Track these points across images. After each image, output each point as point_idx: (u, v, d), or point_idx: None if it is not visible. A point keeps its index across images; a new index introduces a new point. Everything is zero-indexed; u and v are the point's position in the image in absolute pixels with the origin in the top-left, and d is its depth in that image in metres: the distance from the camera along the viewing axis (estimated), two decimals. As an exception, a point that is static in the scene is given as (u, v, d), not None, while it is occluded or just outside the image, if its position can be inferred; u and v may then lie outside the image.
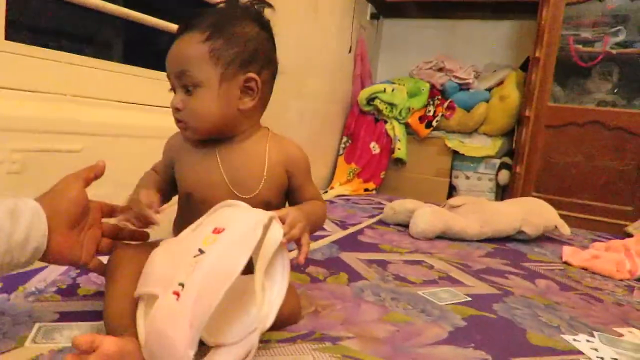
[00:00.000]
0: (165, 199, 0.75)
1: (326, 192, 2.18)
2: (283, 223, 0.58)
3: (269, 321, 0.55)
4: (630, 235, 1.75)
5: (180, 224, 0.67)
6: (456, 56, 2.51)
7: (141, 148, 1.02)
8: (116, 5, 1.05)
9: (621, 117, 1.95)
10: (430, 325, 0.73)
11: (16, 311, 0.64)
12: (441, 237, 1.42)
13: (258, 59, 0.65)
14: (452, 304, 0.85)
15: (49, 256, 0.56)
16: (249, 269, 0.52)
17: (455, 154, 2.32)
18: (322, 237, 1.26)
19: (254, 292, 0.54)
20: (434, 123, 2.34)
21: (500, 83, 2.31)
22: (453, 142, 2.32)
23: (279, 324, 0.66)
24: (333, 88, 2.34)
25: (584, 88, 2.11)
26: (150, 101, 1.12)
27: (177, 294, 0.47)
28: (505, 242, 1.48)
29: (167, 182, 0.73)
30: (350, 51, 2.41)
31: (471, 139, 2.33)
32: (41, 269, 0.81)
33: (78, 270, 0.82)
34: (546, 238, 1.60)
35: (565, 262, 1.29)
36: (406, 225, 1.50)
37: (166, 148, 0.75)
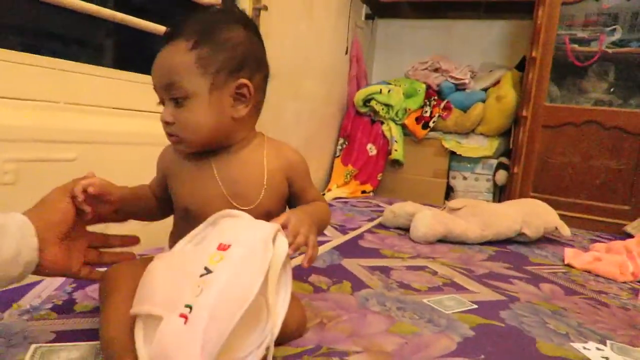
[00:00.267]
0: (154, 215, 0.73)
1: (323, 194, 2.17)
2: (284, 228, 0.56)
3: (276, 330, 0.53)
4: (629, 235, 1.75)
5: (177, 238, 0.65)
6: (452, 56, 2.50)
7: (137, 155, 0.99)
8: (108, 9, 1.03)
9: (618, 116, 1.95)
10: (438, 336, 0.72)
11: (11, 331, 0.61)
12: (442, 240, 1.40)
13: (248, 64, 0.62)
14: (459, 312, 0.83)
15: (42, 269, 0.56)
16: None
17: (452, 154, 2.31)
18: (323, 242, 1.24)
19: (261, 306, 0.52)
20: (431, 124, 2.32)
21: (497, 83, 2.30)
22: (450, 143, 2.31)
23: (286, 337, 0.65)
24: (329, 89, 2.32)
25: (580, 88, 2.11)
26: (146, 107, 1.09)
27: (184, 316, 0.45)
28: (505, 244, 1.47)
29: (159, 199, 0.71)
30: (347, 52, 2.39)
31: (468, 140, 2.32)
32: (35, 283, 0.78)
33: (74, 285, 0.79)
34: (546, 239, 1.59)
35: (567, 265, 1.28)
36: (406, 229, 1.48)
37: (158, 162, 0.72)
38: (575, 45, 2.05)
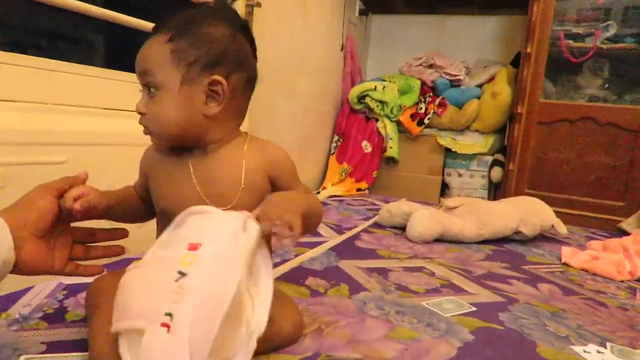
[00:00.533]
0: (141, 218, 0.72)
1: (318, 192, 2.15)
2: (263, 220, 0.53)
3: (263, 324, 0.52)
4: (624, 232, 1.76)
5: None
6: (446, 52, 2.49)
7: (129, 156, 0.97)
8: (96, 7, 1.00)
9: (612, 112, 1.95)
10: (438, 342, 0.71)
11: (0, 343, 0.59)
12: (439, 239, 1.40)
13: (226, 62, 0.60)
14: (458, 315, 0.82)
15: (21, 268, 0.54)
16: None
17: (447, 151, 2.30)
18: (319, 243, 1.23)
19: (243, 299, 0.50)
20: (426, 121, 2.31)
21: (491, 79, 2.30)
22: (445, 140, 2.30)
23: (282, 342, 0.63)
24: (323, 86, 2.30)
25: (575, 84, 2.11)
26: (137, 107, 1.07)
27: (166, 325, 0.44)
28: (502, 242, 1.47)
29: (145, 201, 0.69)
30: (342, 49, 2.37)
31: (463, 136, 2.31)
32: (25, 291, 0.76)
33: (65, 292, 0.77)
34: (543, 237, 1.59)
35: (564, 264, 1.28)
36: (402, 228, 1.47)
37: (141, 163, 0.70)
38: (570, 41, 2.04)
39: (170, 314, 0.44)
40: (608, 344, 0.76)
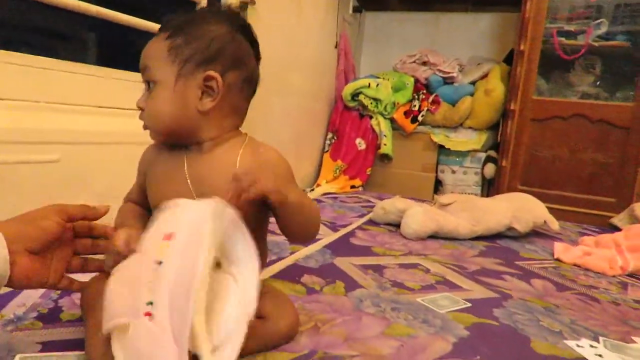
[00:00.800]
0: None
1: (312, 189, 2.15)
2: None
3: (253, 305, 0.52)
4: (615, 227, 1.77)
5: None
6: (439, 49, 2.49)
7: (123, 155, 0.97)
8: (92, 5, 0.99)
9: (604, 109, 1.97)
10: (433, 338, 0.71)
11: (-6, 344, 0.59)
12: (433, 236, 1.40)
13: (222, 59, 0.61)
14: (453, 311, 0.83)
15: (14, 281, 0.52)
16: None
17: (440, 148, 2.31)
18: (314, 241, 1.23)
19: (228, 281, 0.51)
20: (420, 118, 2.32)
21: (485, 76, 2.31)
22: (439, 137, 2.31)
23: (278, 341, 0.64)
24: (317, 84, 2.29)
25: (567, 81, 2.12)
26: (132, 105, 1.06)
27: (148, 314, 0.44)
28: (495, 239, 1.48)
29: (146, 207, 0.68)
30: (336, 46, 2.37)
31: (457, 133, 2.32)
32: (19, 291, 0.75)
33: (59, 292, 0.77)
34: (535, 233, 1.60)
35: (557, 259, 1.29)
36: (397, 225, 1.48)
37: (140, 164, 0.70)
38: (563, 39, 2.05)
39: (150, 302, 0.45)
40: (601, 339, 0.77)
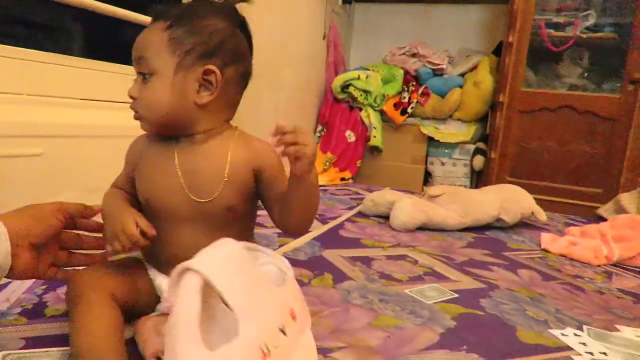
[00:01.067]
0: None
1: (303, 182, 2.14)
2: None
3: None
4: (601, 218, 1.80)
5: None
6: (429, 41, 2.49)
7: (108, 149, 0.95)
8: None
9: (591, 101, 1.98)
10: (421, 329, 0.72)
11: (-23, 340, 0.58)
12: (421, 228, 1.41)
13: (221, 53, 0.61)
14: (440, 302, 0.84)
15: (14, 273, 0.55)
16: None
17: (430, 140, 2.32)
18: (303, 233, 1.23)
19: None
20: (409, 110, 2.32)
21: (474, 68, 2.31)
22: (428, 129, 2.31)
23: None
24: (307, 76, 2.28)
25: (555, 73, 2.14)
26: (118, 98, 1.05)
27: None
28: (484, 230, 1.49)
29: (133, 196, 0.67)
30: (324, 37, 2.35)
31: (446, 125, 2.33)
32: (3, 286, 0.74)
33: (44, 287, 0.76)
34: (523, 224, 1.62)
35: (544, 250, 1.30)
36: (386, 217, 1.48)
37: (128, 154, 0.69)
38: (551, 31, 2.06)
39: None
40: (585, 327, 0.78)
